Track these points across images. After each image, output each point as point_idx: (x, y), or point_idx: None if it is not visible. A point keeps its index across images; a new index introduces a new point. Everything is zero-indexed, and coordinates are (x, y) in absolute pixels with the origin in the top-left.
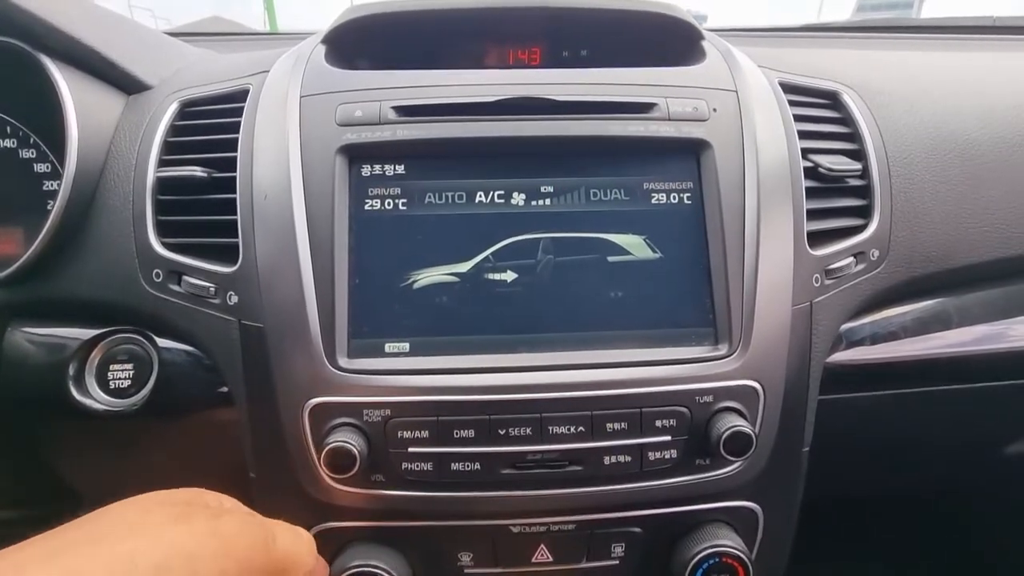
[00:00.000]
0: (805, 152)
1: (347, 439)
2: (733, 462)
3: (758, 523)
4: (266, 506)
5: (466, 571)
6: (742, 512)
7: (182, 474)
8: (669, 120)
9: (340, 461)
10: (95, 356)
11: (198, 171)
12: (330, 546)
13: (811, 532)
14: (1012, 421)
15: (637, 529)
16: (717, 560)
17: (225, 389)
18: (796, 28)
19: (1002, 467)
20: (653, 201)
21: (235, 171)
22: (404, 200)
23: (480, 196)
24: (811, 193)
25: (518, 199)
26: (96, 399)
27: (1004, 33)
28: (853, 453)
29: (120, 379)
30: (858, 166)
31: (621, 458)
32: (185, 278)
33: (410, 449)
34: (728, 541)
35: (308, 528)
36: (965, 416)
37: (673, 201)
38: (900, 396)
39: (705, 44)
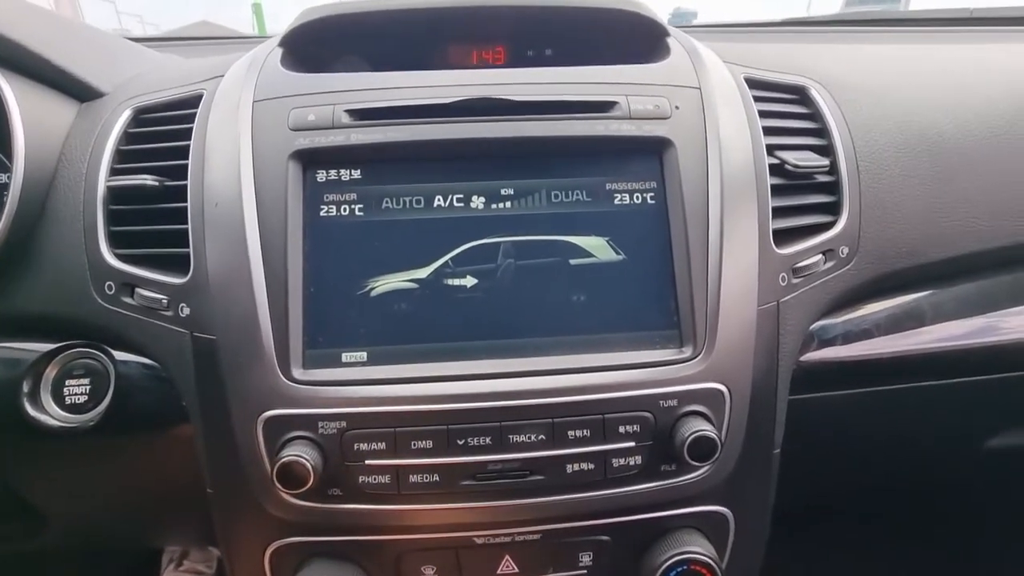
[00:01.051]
0: (771, 148)
1: (300, 453)
2: (699, 467)
3: (729, 528)
4: (225, 522)
5: None
6: (712, 517)
7: (142, 490)
8: (630, 119)
9: (293, 476)
10: (51, 371)
11: (149, 180)
12: (289, 562)
13: (786, 535)
14: (988, 416)
15: (604, 537)
16: (685, 567)
17: (184, 403)
18: (777, 23)
19: (978, 463)
20: (616, 202)
21: (187, 179)
22: (360, 205)
23: (438, 200)
24: (778, 190)
25: (477, 202)
26: (52, 415)
27: (980, 24)
28: (828, 451)
29: (76, 394)
30: (826, 162)
31: (584, 466)
32: (137, 290)
33: (367, 462)
34: (696, 547)
35: (267, 544)
36: (940, 412)
37: (636, 201)
38: (874, 394)
39: (670, 41)
